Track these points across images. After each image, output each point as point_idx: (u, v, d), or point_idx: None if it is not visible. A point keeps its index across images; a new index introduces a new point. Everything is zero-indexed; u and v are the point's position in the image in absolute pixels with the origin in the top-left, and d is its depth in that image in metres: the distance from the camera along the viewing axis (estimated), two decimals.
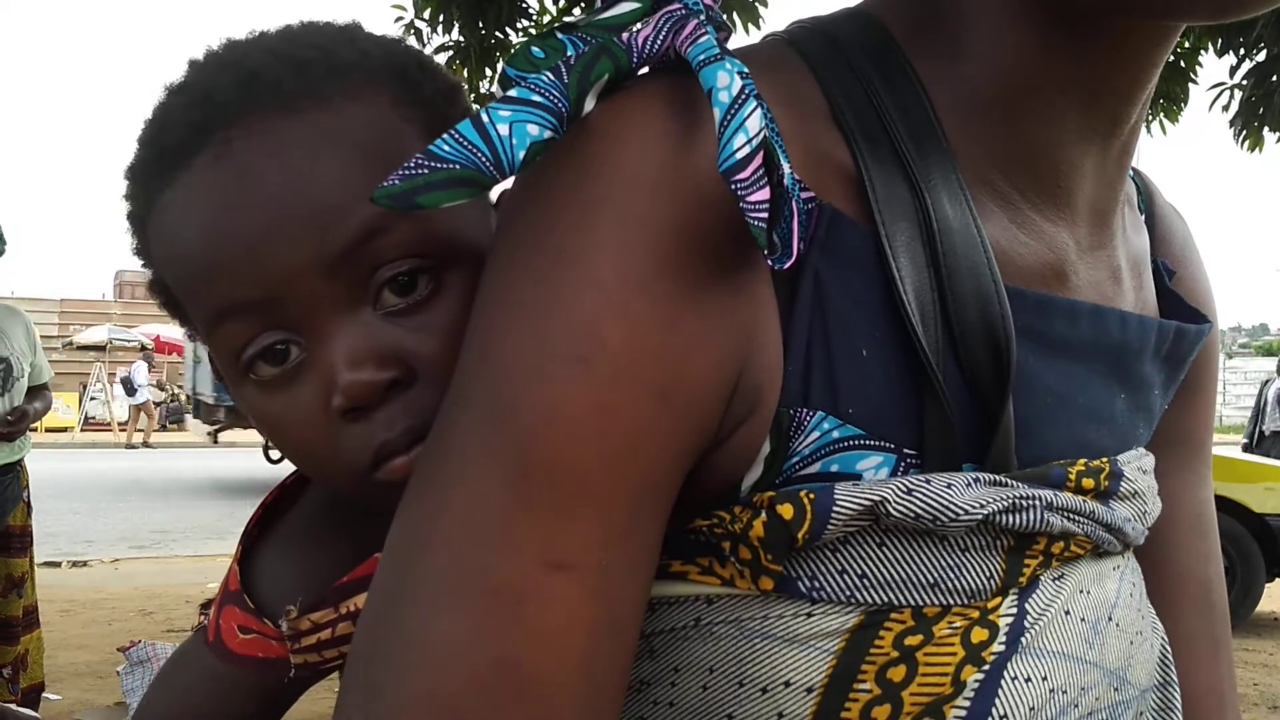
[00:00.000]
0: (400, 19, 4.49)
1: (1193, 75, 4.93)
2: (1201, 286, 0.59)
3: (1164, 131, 5.17)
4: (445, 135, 0.35)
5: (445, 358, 0.44)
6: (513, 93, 0.36)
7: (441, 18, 4.40)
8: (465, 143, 0.35)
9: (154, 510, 9.02)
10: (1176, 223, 0.60)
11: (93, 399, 18.43)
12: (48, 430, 15.99)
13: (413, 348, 0.45)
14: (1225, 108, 4.73)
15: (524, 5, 4.48)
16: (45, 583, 5.38)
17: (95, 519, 8.39)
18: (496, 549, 0.34)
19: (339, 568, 0.54)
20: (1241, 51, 4.55)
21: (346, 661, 0.37)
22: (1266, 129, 4.61)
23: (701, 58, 0.36)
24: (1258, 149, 4.72)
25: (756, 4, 4.46)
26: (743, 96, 0.35)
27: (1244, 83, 4.62)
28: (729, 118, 0.35)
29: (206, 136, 0.45)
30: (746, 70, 0.36)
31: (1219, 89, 4.74)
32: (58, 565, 6.26)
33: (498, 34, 4.43)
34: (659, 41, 0.38)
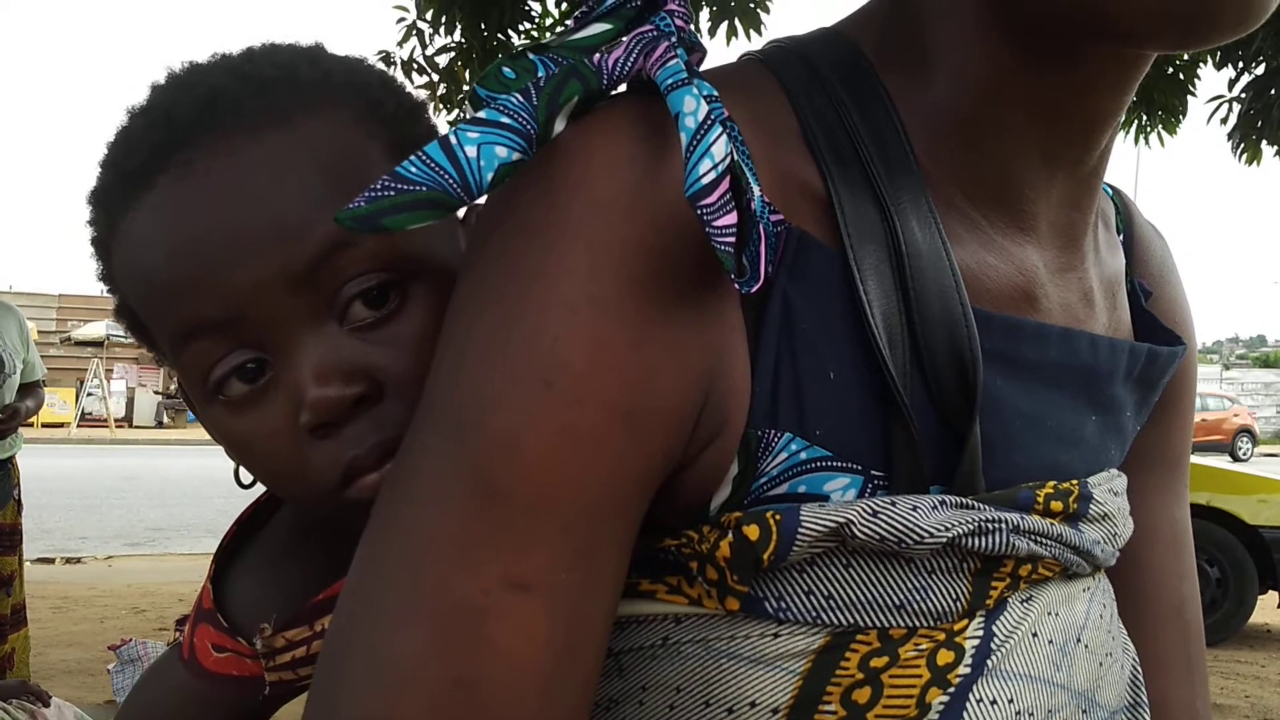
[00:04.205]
0: (402, 20, 4.50)
1: (1191, 88, 4.94)
2: (1179, 307, 0.59)
3: (1162, 143, 5.18)
4: (412, 157, 0.35)
5: (413, 372, 0.44)
6: (482, 114, 0.36)
7: (444, 19, 4.40)
8: (432, 165, 0.35)
9: (149, 507, 9.02)
10: (1155, 243, 0.60)
11: (89, 395, 18.39)
12: (44, 426, 15.98)
13: (380, 362, 0.45)
14: (1223, 120, 4.74)
15: (526, 7, 4.49)
16: (38, 579, 5.37)
17: (90, 515, 8.39)
18: (458, 569, 0.35)
19: (314, 585, 0.54)
20: (1240, 65, 4.56)
21: (312, 678, 0.37)
22: (1264, 142, 4.62)
23: (670, 81, 0.36)
24: (1255, 162, 4.72)
25: (758, 11, 4.47)
26: (709, 122, 0.35)
27: (1242, 96, 4.62)
28: (695, 143, 0.35)
29: (168, 156, 0.45)
30: (715, 94, 0.37)
31: (1217, 102, 4.75)
32: (51, 562, 6.26)
33: (500, 36, 4.44)
34: (630, 63, 0.38)
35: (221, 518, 8.00)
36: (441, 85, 4.61)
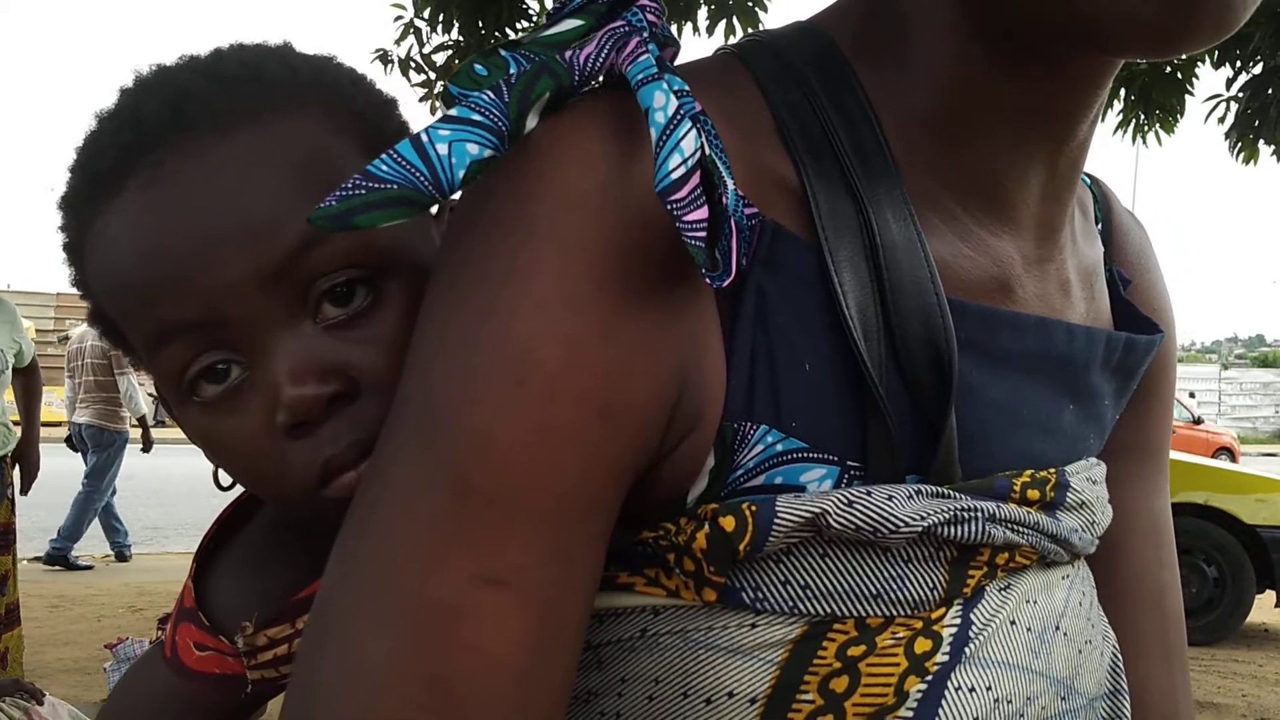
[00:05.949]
0: (400, 18, 4.50)
1: (1189, 87, 4.94)
2: (1157, 295, 0.59)
3: (1160, 143, 5.18)
4: (384, 155, 0.35)
5: (387, 369, 0.44)
6: (454, 111, 0.36)
7: (441, 17, 4.41)
8: (404, 163, 0.35)
9: (146, 506, 9.01)
10: (1134, 231, 0.60)
11: None
12: (42, 424, 15.93)
13: (354, 360, 0.45)
14: (1221, 120, 4.75)
15: (524, 5, 4.49)
16: (35, 578, 5.37)
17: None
18: (432, 566, 0.35)
19: (295, 583, 0.54)
20: (1238, 64, 4.56)
21: (289, 679, 0.37)
22: (1261, 141, 4.62)
23: (640, 77, 0.37)
24: (1253, 161, 4.72)
25: (755, 8, 4.47)
26: (678, 117, 0.35)
27: (1240, 95, 4.63)
28: (664, 138, 0.35)
29: (137, 158, 0.45)
30: (686, 89, 0.37)
31: (1215, 101, 4.75)
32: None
33: (497, 34, 4.44)
34: (601, 59, 0.38)
35: None
36: (439, 83, 4.61)
